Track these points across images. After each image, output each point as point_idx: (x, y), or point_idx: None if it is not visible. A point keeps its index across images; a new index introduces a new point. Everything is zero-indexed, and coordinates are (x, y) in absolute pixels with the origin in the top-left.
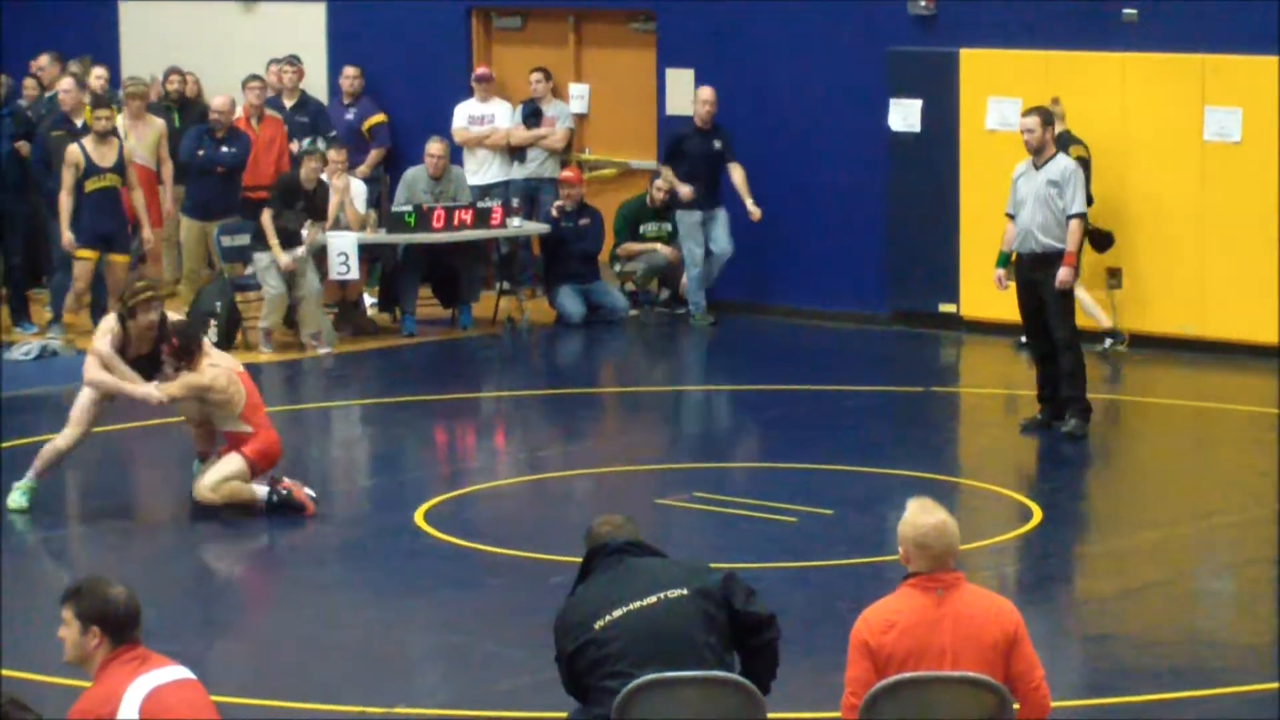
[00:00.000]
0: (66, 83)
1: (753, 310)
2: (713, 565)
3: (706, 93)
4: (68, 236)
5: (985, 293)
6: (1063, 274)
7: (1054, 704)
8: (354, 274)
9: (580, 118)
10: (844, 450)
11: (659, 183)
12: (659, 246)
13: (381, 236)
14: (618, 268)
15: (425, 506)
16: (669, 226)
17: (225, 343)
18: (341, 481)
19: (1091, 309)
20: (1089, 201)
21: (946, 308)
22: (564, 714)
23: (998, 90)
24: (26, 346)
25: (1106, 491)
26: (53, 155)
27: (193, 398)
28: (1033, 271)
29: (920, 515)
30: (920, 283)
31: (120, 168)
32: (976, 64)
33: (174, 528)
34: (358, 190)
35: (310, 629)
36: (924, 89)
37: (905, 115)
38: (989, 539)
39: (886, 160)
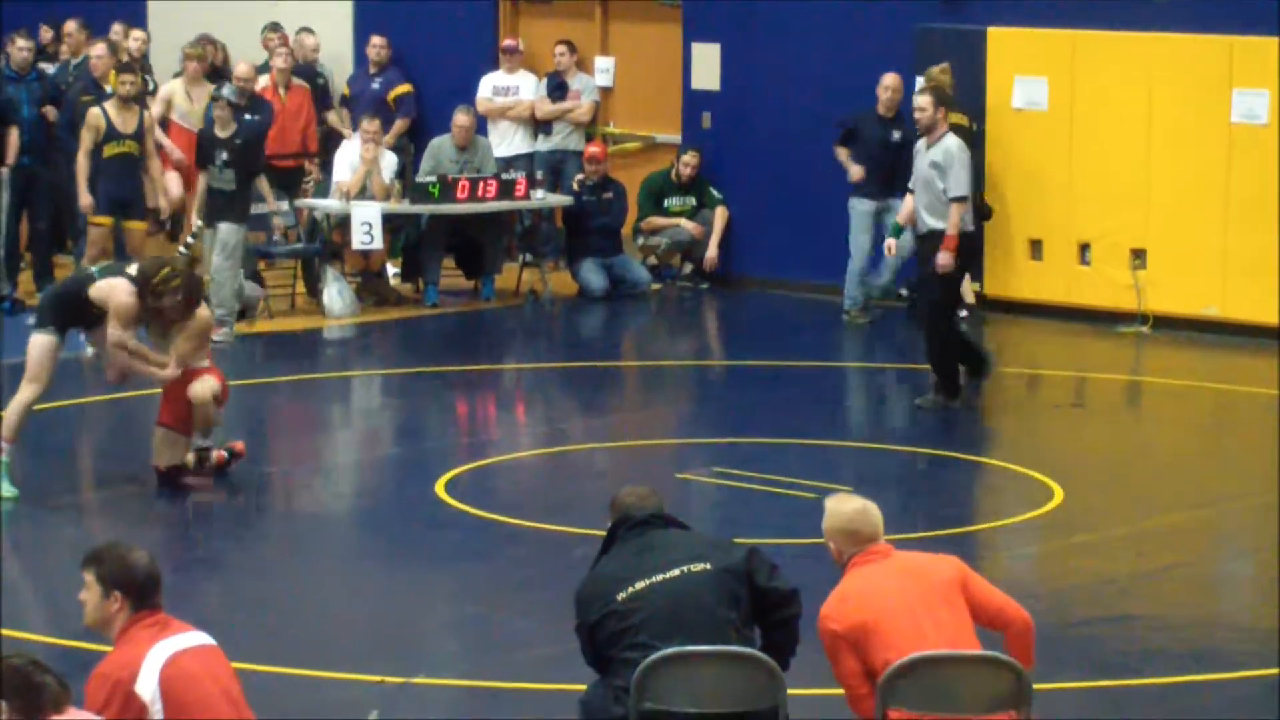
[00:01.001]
0: (99, 48)
1: (775, 285)
2: (735, 541)
3: (891, 79)
4: (86, 199)
5: (1009, 272)
6: (941, 258)
7: (1071, 685)
8: (377, 244)
9: (605, 91)
10: (865, 427)
11: (685, 158)
12: (682, 221)
13: (405, 207)
14: (641, 241)
15: (446, 477)
16: (693, 201)
17: (246, 312)
18: (363, 451)
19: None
20: (977, 176)
21: (970, 287)
22: (583, 686)
23: (1025, 69)
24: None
25: (1128, 473)
26: (80, 121)
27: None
28: (919, 249)
29: (841, 505)
30: None
31: (140, 135)
32: (1004, 42)
33: (192, 495)
34: (387, 161)
35: (330, 598)
36: (951, 67)
37: None
38: (1009, 518)
39: (912, 138)
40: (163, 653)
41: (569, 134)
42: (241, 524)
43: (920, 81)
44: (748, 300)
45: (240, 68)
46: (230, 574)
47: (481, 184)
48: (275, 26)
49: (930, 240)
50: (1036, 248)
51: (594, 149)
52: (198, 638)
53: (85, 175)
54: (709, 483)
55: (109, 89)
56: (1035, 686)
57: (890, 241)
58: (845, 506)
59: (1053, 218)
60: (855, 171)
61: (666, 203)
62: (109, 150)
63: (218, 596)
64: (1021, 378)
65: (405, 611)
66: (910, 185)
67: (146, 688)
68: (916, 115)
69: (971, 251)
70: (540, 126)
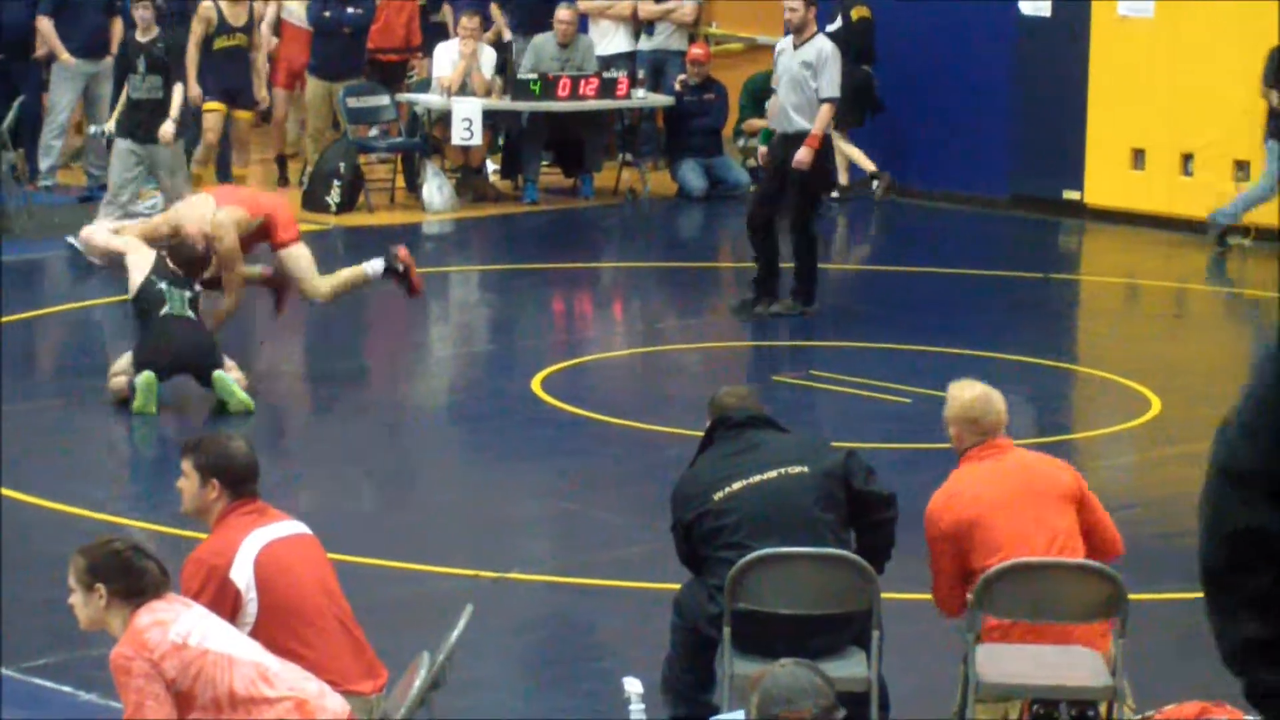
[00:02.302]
0: None
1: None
2: (832, 444)
3: None
4: (195, 89)
5: (1110, 180)
6: (801, 154)
7: (1166, 595)
8: (477, 139)
9: None
10: (961, 333)
11: None
12: None
13: (506, 103)
14: (741, 143)
15: (542, 374)
16: None
17: (347, 205)
18: (459, 346)
19: (855, 157)
20: (871, 59)
21: (1070, 194)
22: (675, 585)
23: None
24: (153, 200)
25: (1226, 384)
26: (191, 11)
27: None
28: (782, 150)
29: (962, 391)
30: (1045, 168)
31: (249, 28)
32: None
33: (287, 384)
34: (486, 56)
35: (425, 492)
36: None
37: None
38: (1105, 428)
39: (1015, 44)
40: (258, 540)
41: (671, 34)
42: (339, 416)
43: None
44: (847, 206)
45: None
46: (328, 465)
47: (583, 82)
48: None
49: (796, 140)
50: (1139, 157)
51: (696, 50)
52: (294, 526)
53: (195, 66)
54: (805, 385)
55: None
56: (1132, 596)
57: (761, 149)
58: (966, 393)
59: (1155, 127)
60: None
61: (768, 104)
62: (219, 43)
63: (315, 487)
64: (1120, 287)
65: (500, 507)
66: (774, 85)
67: (241, 575)
68: (786, 14)
69: (828, 151)
70: (643, 26)
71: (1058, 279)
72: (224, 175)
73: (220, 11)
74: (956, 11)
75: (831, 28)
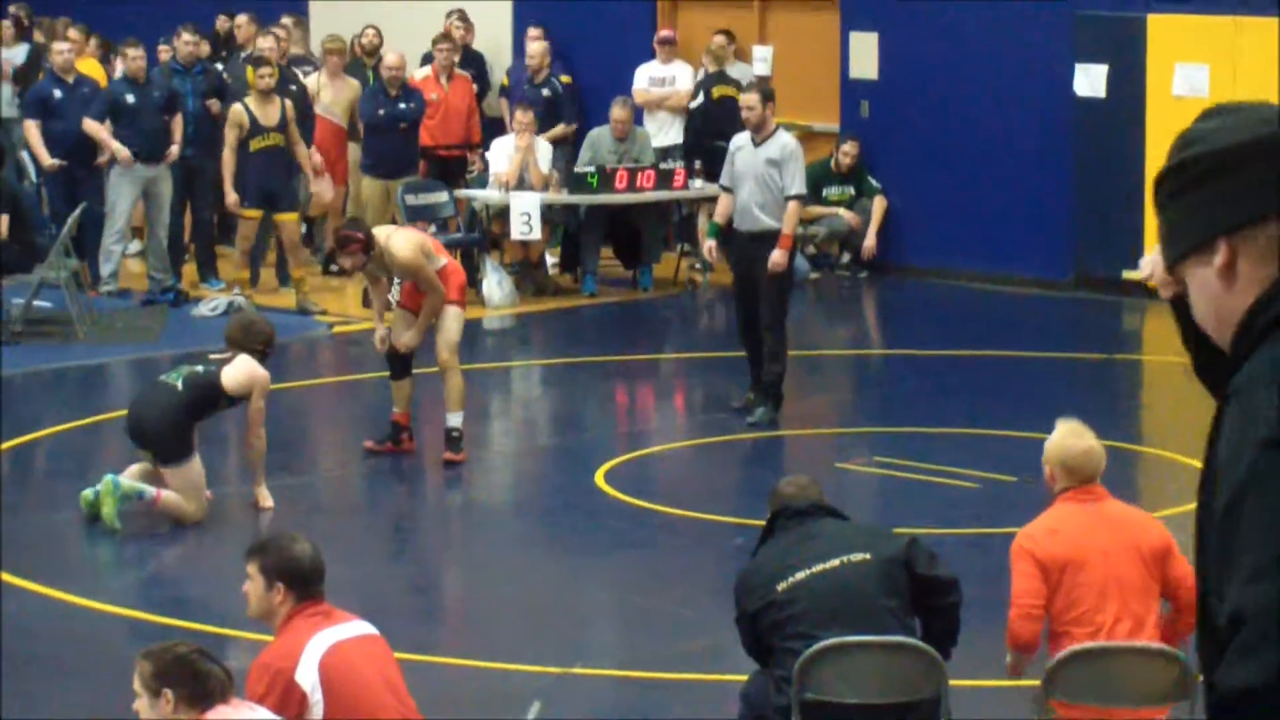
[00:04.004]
0: (268, 41)
1: (935, 274)
2: (895, 530)
3: None
4: (232, 196)
5: None
6: (776, 255)
7: None
8: (536, 234)
9: (764, 80)
10: (1026, 415)
11: (844, 147)
12: (841, 211)
13: (564, 197)
14: (799, 231)
15: (605, 467)
16: (851, 190)
17: None
18: (522, 440)
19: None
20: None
21: (1131, 274)
22: (742, 676)
23: (1185, 56)
24: (214, 302)
25: None
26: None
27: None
28: (751, 250)
29: (1070, 439)
30: (1104, 249)
31: (283, 125)
32: (1164, 29)
33: (352, 482)
34: (543, 151)
35: (489, 587)
36: (1111, 53)
37: (1091, 80)
38: (1168, 509)
39: (1072, 125)
40: (323, 642)
41: None
42: (404, 513)
43: (1080, 68)
44: (905, 289)
45: (389, 57)
46: (393, 563)
47: (640, 174)
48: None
49: (762, 239)
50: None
51: None
52: (360, 627)
53: (231, 172)
54: (869, 472)
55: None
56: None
57: (710, 243)
58: (1074, 444)
59: None
60: None
61: (825, 192)
62: (255, 145)
63: (380, 585)
64: (1182, 367)
65: (565, 601)
66: (723, 182)
67: (306, 677)
68: (745, 114)
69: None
70: None
71: (1120, 360)
72: (284, 279)
73: (250, 113)
74: (1013, 93)
75: (694, 105)
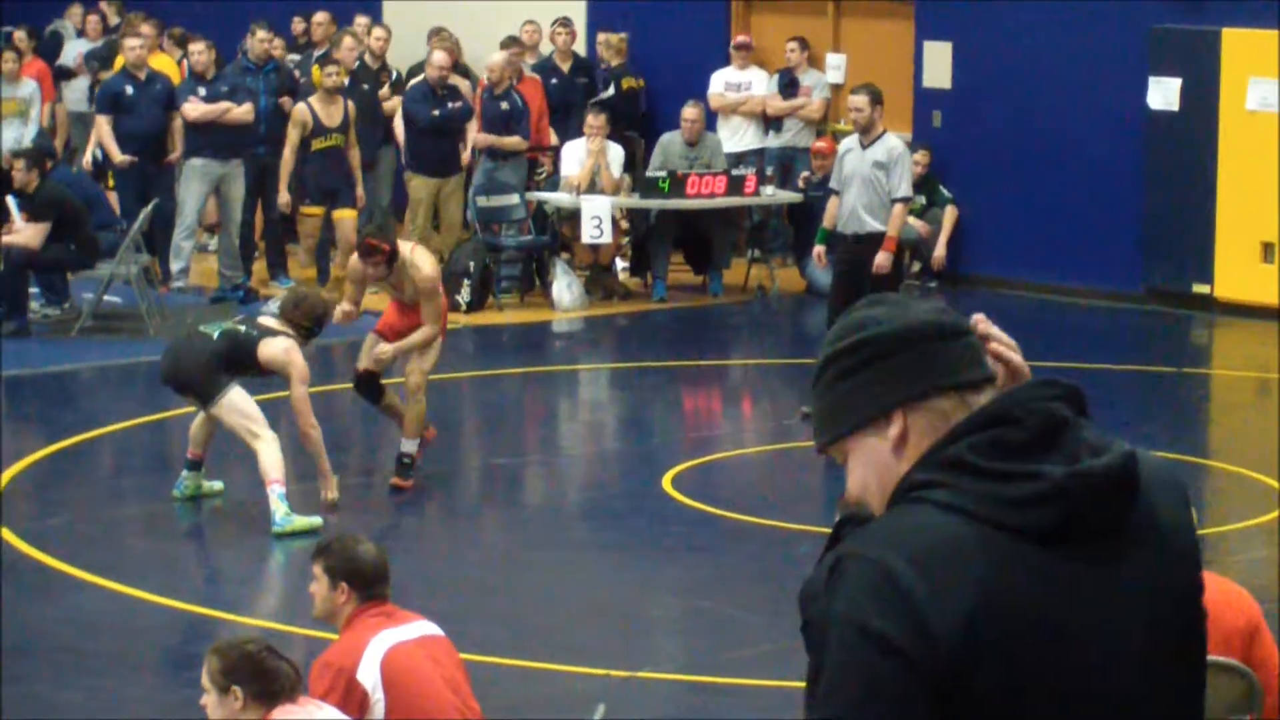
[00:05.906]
0: (348, 42)
1: (1004, 284)
2: None
3: None
4: (285, 196)
5: (1240, 274)
6: (880, 258)
7: None
8: (607, 237)
9: (836, 88)
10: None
11: (915, 156)
12: (911, 219)
13: (635, 201)
14: None
15: (673, 472)
16: (922, 199)
17: (477, 304)
18: (590, 445)
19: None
20: (640, 127)
21: (1200, 288)
22: (804, 683)
23: (1260, 70)
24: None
25: None
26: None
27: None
28: (855, 253)
29: None
30: (1175, 262)
31: (345, 127)
32: (1239, 43)
33: (426, 491)
34: (614, 154)
35: (556, 590)
36: (1185, 68)
37: (1165, 94)
38: (1239, 523)
39: (1144, 138)
40: (385, 642)
41: (799, 130)
42: (471, 515)
43: (1154, 82)
44: (975, 299)
45: (436, 56)
46: (459, 565)
47: (711, 179)
48: (566, 21)
49: (869, 241)
50: (1269, 251)
51: (823, 145)
52: (424, 627)
53: (289, 171)
54: None
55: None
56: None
57: (819, 249)
58: None
59: None
60: None
61: (827, 205)
62: (316, 144)
63: (447, 586)
64: (1252, 381)
65: (631, 605)
66: (832, 185)
67: (368, 676)
68: (853, 116)
69: (900, 249)
70: (771, 123)
71: (1190, 373)
72: (323, 278)
73: (314, 113)
74: (1085, 105)
75: (604, 95)
